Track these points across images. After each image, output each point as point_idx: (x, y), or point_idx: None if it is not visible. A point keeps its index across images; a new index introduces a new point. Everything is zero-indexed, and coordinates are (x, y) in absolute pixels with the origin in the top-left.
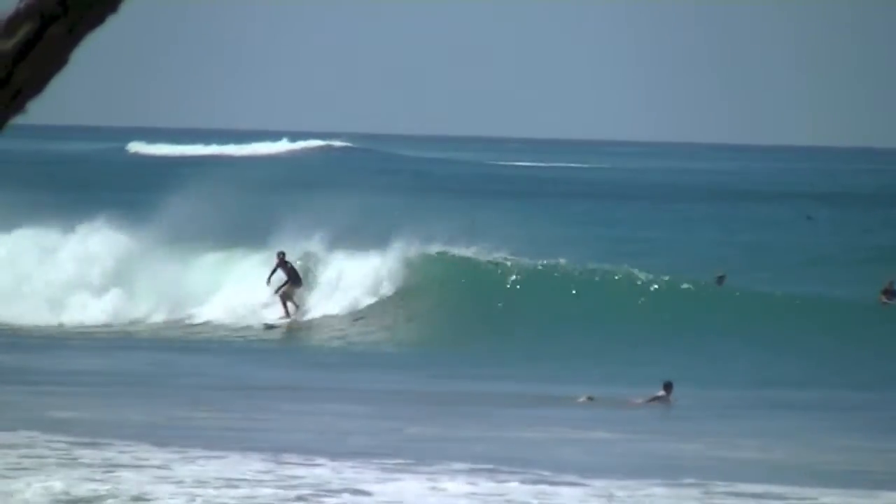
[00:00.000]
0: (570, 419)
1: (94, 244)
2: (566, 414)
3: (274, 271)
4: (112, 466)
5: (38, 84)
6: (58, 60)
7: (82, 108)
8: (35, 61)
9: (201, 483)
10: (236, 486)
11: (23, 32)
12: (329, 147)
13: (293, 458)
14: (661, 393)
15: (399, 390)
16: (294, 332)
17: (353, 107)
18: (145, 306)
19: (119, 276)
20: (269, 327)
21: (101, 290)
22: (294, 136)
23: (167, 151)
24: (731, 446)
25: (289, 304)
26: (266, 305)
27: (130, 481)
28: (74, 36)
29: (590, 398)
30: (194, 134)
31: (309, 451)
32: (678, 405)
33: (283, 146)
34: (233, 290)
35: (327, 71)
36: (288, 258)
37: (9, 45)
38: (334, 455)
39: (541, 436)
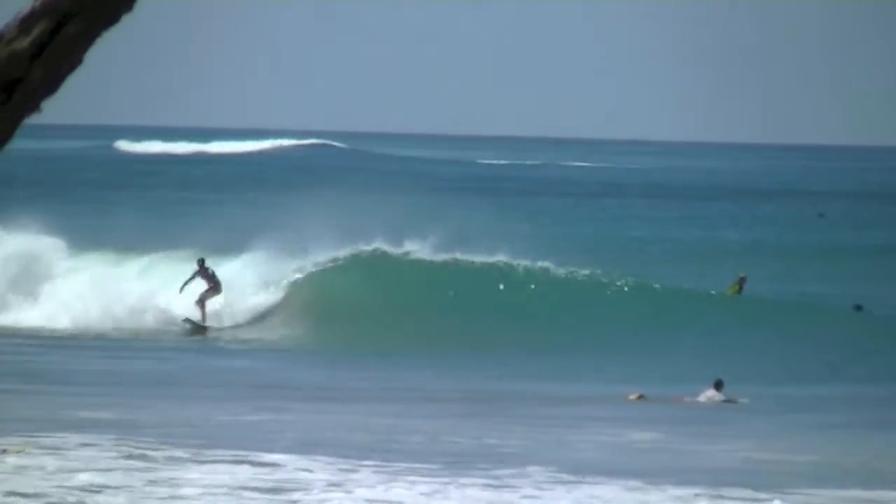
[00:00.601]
0: (623, 419)
1: (24, 246)
2: (618, 413)
3: (192, 278)
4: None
5: (52, 83)
6: (73, 59)
7: (73, 106)
8: (50, 60)
9: (224, 485)
10: (243, 486)
11: (38, 31)
12: (319, 145)
13: (321, 459)
14: (718, 396)
15: (418, 388)
16: (287, 330)
17: (349, 105)
18: (81, 309)
19: (49, 278)
20: (190, 322)
21: (32, 293)
22: (283, 135)
23: (154, 149)
24: (763, 448)
25: (206, 306)
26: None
27: (146, 480)
28: (90, 35)
29: (640, 397)
30: (183, 132)
31: (334, 452)
32: (707, 406)
33: (266, 144)
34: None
35: (321, 68)
36: (207, 264)
37: (24, 43)
38: (364, 457)
39: (597, 436)
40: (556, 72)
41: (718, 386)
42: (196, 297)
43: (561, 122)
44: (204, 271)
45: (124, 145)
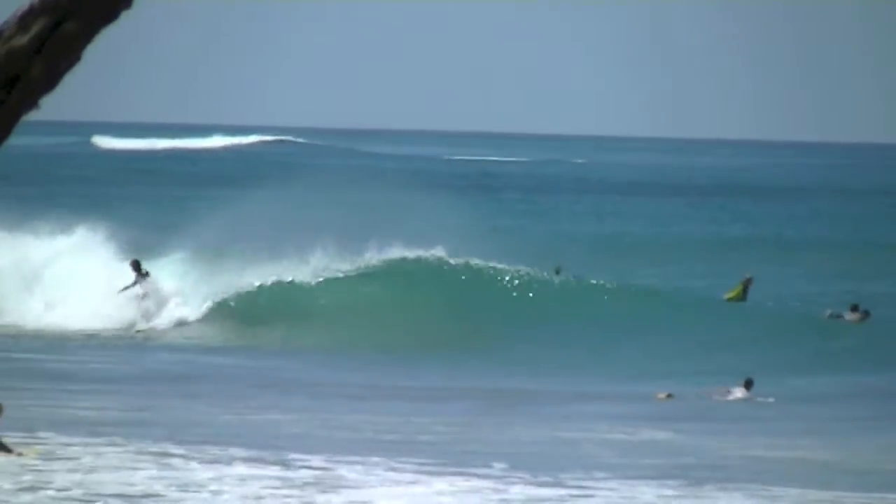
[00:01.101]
0: (641, 417)
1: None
2: (638, 411)
3: (134, 283)
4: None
5: (51, 80)
6: (71, 56)
7: (56, 103)
8: (49, 57)
9: (230, 484)
10: (245, 485)
11: (37, 28)
12: (283, 142)
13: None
14: (747, 394)
15: (427, 387)
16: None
17: (336, 103)
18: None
19: None
20: (141, 330)
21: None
22: (261, 131)
23: (130, 145)
24: (780, 447)
25: (145, 306)
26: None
27: (153, 481)
28: (89, 32)
29: (669, 396)
30: (163, 128)
31: (341, 451)
32: (723, 406)
33: (242, 140)
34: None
35: (307, 66)
36: (143, 266)
37: (23, 40)
38: (379, 456)
39: (626, 437)
40: (554, 72)
41: (748, 385)
42: (135, 298)
43: (559, 120)
44: (139, 274)
45: (101, 141)
